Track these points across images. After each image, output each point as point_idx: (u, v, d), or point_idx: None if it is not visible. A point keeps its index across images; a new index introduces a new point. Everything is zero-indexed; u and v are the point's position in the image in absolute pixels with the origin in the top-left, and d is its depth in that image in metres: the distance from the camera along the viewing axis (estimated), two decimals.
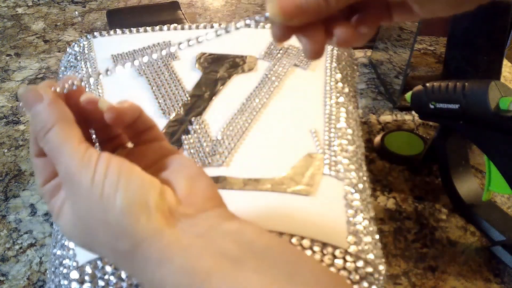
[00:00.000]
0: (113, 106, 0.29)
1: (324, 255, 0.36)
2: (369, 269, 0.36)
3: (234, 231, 0.26)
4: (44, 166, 0.29)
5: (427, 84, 0.53)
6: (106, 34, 0.59)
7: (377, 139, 0.65)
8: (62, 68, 0.57)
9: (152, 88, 0.51)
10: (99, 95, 0.50)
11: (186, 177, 0.28)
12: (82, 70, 0.54)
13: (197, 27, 0.59)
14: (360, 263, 0.36)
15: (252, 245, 0.25)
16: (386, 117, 0.71)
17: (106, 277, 0.35)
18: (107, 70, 0.29)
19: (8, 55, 0.87)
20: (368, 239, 0.38)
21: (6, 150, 0.66)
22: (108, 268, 0.35)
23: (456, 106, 0.50)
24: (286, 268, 0.24)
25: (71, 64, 0.56)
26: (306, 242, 0.36)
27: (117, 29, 0.60)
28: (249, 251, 0.25)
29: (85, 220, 0.26)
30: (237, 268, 0.24)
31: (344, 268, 0.35)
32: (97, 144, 0.32)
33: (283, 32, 0.28)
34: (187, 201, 0.27)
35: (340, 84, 0.51)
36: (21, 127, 0.70)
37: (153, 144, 0.31)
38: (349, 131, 0.47)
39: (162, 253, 0.25)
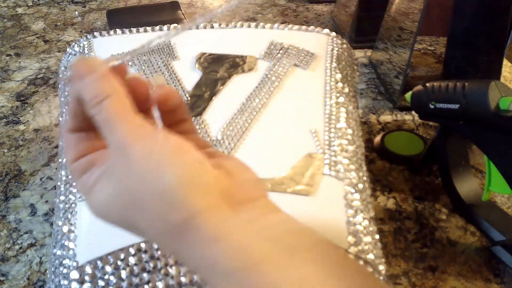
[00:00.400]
0: (165, 84, 0.29)
1: None
2: (369, 269, 0.36)
3: (286, 222, 0.25)
4: (78, 142, 0.28)
5: (427, 84, 0.53)
6: (106, 34, 0.59)
7: (377, 139, 0.65)
8: (62, 68, 0.57)
9: (152, 88, 0.50)
10: None
11: (233, 166, 0.28)
12: None
13: (197, 27, 0.59)
14: (360, 263, 0.36)
15: (304, 238, 0.25)
16: (386, 117, 0.71)
17: (106, 277, 0.35)
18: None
19: (8, 55, 0.87)
20: (368, 239, 0.38)
21: (6, 150, 0.66)
22: (108, 268, 0.35)
23: (456, 106, 0.50)
24: (338, 267, 0.23)
25: (71, 64, 0.56)
26: None
27: (117, 29, 0.60)
28: (302, 243, 0.24)
29: (133, 191, 0.25)
30: (292, 257, 0.23)
31: None
32: None
33: None
34: (238, 187, 0.26)
35: (340, 84, 0.51)
36: (21, 127, 0.70)
37: (187, 135, 0.30)
38: (349, 131, 0.47)
39: (217, 230, 0.24)
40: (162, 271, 0.35)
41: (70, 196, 0.41)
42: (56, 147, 0.66)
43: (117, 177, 0.26)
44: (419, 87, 0.54)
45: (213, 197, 0.25)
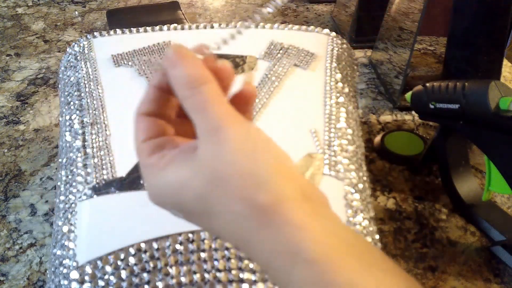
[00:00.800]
0: (251, 83, 0.30)
1: None
2: None
3: (351, 229, 0.26)
4: (149, 125, 0.30)
5: (427, 84, 0.53)
6: (106, 34, 0.59)
7: (377, 139, 0.65)
8: (62, 68, 0.57)
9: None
10: (99, 95, 0.50)
11: None
12: (82, 70, 0.54)
13: (197, 27, 0.59)
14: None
15: (369, 247, 0.26)
16: (386, 117, 0.71)
17: (106, 277, 0.35)
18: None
19: (8, 55, 0.87)
20: (368, 239, 0.38)
21: (6, 150, 0.66)
22: (108, 268, 0.35)
23: (456, 106, 0.50)
24: (401, 278, 0.24)
25: (71, 64, 0.56)
26: None
27: (117, 29, 0.60)
28: (369, 250, 0.25)
29: (221, 171, 0.26)
30: (365, 261, 0.24)
31: None
32: None
33: None
34: (311, 187, 0.27)
35: (340, 84, 0.51)
36: (21, 127, 0.70)
37: None
38: (349, 131, 0.47)
39: (303, 219, 0.25)
40: (162, 271, 0.35)
41: (70, 196, 0.41)
42: (56, 147, 0.66)
43: (202, 158, 0.26)
44: (419, 87, 0.54)
45: (297, 189, 0.26)
